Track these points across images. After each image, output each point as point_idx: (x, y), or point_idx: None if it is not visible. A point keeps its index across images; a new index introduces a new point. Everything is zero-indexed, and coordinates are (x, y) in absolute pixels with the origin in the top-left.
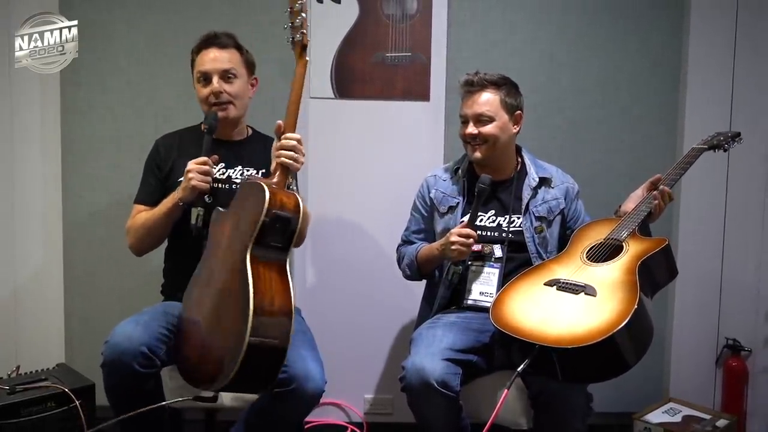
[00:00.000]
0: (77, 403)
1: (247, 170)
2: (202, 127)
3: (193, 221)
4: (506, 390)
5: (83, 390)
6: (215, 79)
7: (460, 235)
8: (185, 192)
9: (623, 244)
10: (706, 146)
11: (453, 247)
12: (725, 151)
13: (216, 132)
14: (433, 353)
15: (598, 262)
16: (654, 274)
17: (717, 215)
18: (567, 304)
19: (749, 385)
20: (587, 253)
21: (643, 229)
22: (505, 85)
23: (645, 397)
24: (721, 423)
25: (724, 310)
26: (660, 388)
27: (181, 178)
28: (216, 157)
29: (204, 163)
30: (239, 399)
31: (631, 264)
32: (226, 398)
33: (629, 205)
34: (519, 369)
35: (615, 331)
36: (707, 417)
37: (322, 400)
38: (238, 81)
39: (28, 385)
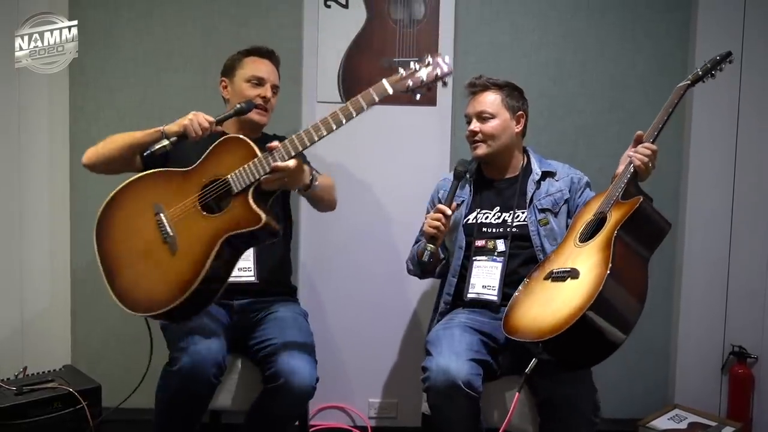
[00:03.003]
0: (84, 404)
1: None
2: (236, 105)
3: (155, 146)
4: (517, 393)
5: (90, 391)
6: (268, 87)
7: (433, 212)
8: (173, 125)
9: (607, 215)
10: (689, 81)
11: (426, 222)
12: (713, 77)
13: (244, 114)
14: (458, 353)
15: (587, 240)
16: (637, 237)
17: (723, 221)
18: (558, 294)
19: (755, 392)
20: (580, 234)
21: (631, 192)
22: (507, 87)
23: (650, 403)
24: (727, 430)
25: (730, 316)
26: (665, 394)
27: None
28: (219, 128)
29: (209, 122)
30: (245, 401)
31: (608, 236)
32: (226, 400)
33: (620, 168)
34: (527, 370)
35: (580, 316)
36: (713, 424)
37: (326, 404)
38: (276, 97)
39: (35, 386)
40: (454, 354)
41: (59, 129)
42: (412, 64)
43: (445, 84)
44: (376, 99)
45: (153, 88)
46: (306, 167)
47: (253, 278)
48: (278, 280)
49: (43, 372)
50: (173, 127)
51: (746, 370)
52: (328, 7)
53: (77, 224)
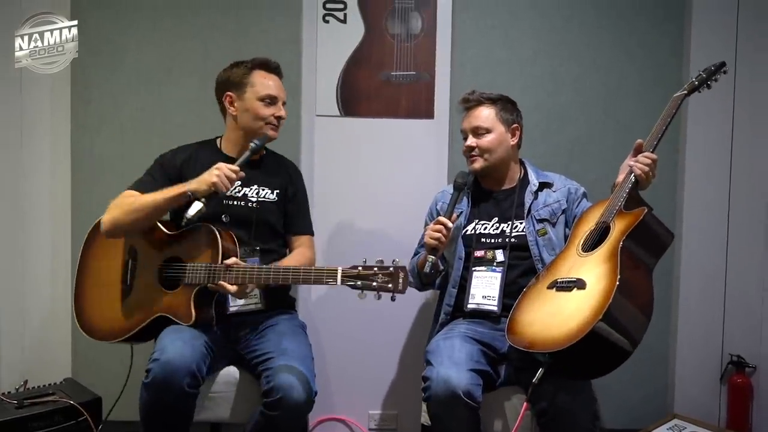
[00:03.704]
0: (87, 416)
1: (262, 189)
2: (251, 144)
3: (191, 213)
4: (525, 402)
5: (90, 403)
6: (280, 105)
7: (434, 224)
8: (200, 184)
9: (610, 224)
10: (686, 91)
11: (426, 233)
12: (709, 87)
13: (259, 150)
14: (458, 363)
15: (590, 250)
16: (642, 247)
17: (720, 231)
18: (564, 304)
19: (754, 401)
20: (582, 242)
21: (632, 202)
22: (500, 100)
23: (650, 413)
24: None
25: (728, 326)
26: (665, 404)
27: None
28: (243, 174)
29: (235, 172)
30: (244, 413)
31: (613, 246)
32: (225, 412)
33: (620, 177)
34: (534, 380)
35: (591, 328)
36: None
37: (326, 416)
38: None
39: (35, 399)
40: (454, 364)
41: (61, 142)
42: (376, 267)
43: (393, 299)
44: (323, 280)
45: (154, 102)
46: (250, 286)
47: (260, 305)
48: (279, 295)
49: (44, 385)
50: (201, 186)
51: (745, 380)
52: (327, 21)
53: (78, 238)
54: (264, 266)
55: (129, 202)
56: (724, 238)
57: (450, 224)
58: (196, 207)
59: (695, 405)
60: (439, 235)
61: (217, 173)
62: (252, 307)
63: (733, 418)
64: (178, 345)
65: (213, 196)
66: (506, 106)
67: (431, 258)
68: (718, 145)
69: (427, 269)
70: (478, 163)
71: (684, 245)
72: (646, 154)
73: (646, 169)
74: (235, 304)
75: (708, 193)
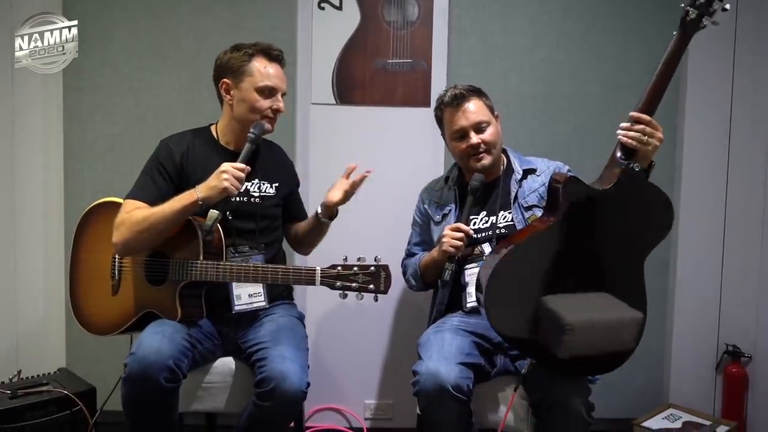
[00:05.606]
0: (81, 405)
1: (263, 183)
2: (248, 135)
3: (208, 223)
4: (513, 393)
5: (85, 394)
6: (279, 97)
7: (450, 229)
8: (212, 191)
9: None
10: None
11: (444, 240)
12: (698, 13)
13: (260, 140)
14: (447, 357)
15: None
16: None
17: (717, 221)
18: None
19: (749, 391)
20: None
21: (638, 175)
22: (479, 90)
23: (645, 403)
24: (721, 429)
25: (724, 316)
26: (660, 394)
27: (196, 180)
28: (249, 168)
29: (242, 170)
30: (240, 403)
31: None
32: (221, 402)
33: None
34: (523, 371)
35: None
36: (707, 423)
37: (322, 406)
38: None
39: (29, 389)
40: (443, 358)
41: (53, 132)
42: (356, 266)
43: (376, 299)
44: (302, 281)
45: (147, 92)
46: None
47: (264, 303)
48: (277, 286)
49: (38, 375)
50: (212, 193)
51: (740, 370)
52: (322, 8)
53: (72, 227)
54: (244, 264)
55: (136, 221)
56: (720, 227)
57: (471, 232)
58: (212, 217)
59: (690, 394)
60: (460, 243)
61: (226, 177)
62: (256, 305)
63: (728, 407)
64: (156, 339)
65: (226, 199)
66: (484, 94)
67: (450, 266)
68: (716, 137)
69: (446, 277)
70: (487, 160)
71: (681, 234)
72: (633, 115)
73: (635, 135)
74: (240, 304)
75: (705, 183)
